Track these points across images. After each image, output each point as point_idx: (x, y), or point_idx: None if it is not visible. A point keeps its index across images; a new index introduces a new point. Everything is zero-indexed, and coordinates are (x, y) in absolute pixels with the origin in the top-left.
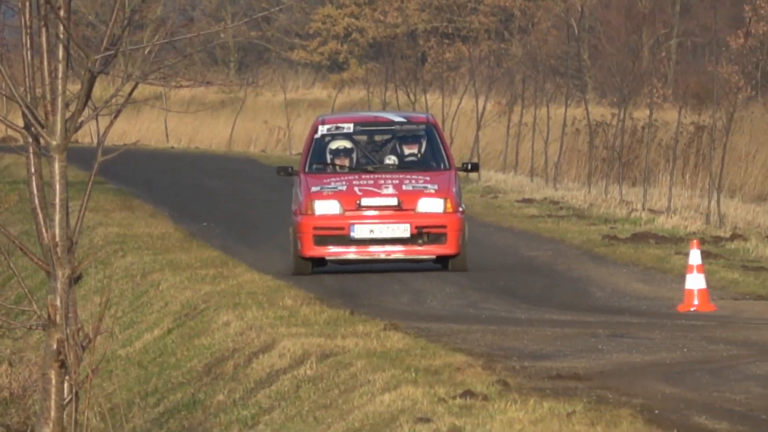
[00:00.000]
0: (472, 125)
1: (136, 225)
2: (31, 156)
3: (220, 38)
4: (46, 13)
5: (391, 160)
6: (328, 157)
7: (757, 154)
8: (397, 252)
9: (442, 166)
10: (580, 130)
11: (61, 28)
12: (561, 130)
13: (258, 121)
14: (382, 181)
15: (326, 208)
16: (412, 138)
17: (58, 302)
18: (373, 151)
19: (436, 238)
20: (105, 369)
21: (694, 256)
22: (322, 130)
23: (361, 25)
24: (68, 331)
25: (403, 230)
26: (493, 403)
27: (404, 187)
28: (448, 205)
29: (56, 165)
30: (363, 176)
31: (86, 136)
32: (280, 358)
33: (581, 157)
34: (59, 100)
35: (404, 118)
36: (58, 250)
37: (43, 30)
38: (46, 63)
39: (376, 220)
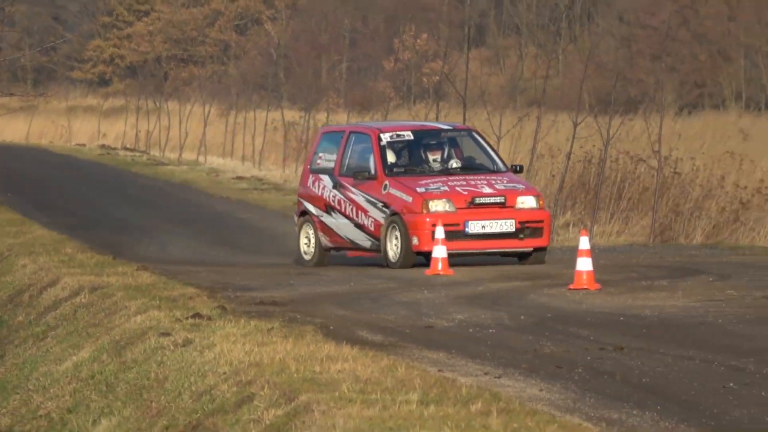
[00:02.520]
0: (201, 124)
1: None
2: None
3: (21, 62)
4: None
5: (457, 163)
6: (394, 160)
7: None
8: (503, 246)
9: (502, 166)
10: (278, 128)
11: None
12: (264, 128)
13: (48, 121)
14: (474, 182)
15: (440, 206)
16: (457, 143)
17: None
18: (425, 154)
19: (534, 232)
20: None
21: None
22: (385, 137)
23: (121, 53)
24: None
25: (509, 225)
26: (215, 321)
27: (498, 186)
28: (541, 202)
29: None
30: (450, 178)
31: None
32: (62, 290)
33: (278, 147)
34: None
35: (450, 126)
36: None
37: None
38: None
39: (487, 216)
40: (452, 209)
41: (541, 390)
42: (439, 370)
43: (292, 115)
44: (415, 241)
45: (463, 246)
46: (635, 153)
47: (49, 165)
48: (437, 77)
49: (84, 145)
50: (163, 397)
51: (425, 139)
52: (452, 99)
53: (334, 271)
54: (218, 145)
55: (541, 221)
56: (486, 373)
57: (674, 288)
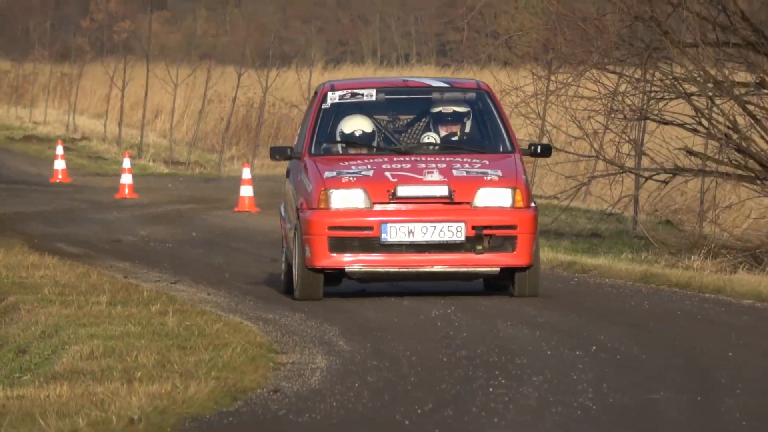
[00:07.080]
0: None
1: None
2: None
3: None
4: None
5: (430, 138)
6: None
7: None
8: (447, 263)
9: (502, 147)
10: None
11: None
12: None
13: None
14: (423, 165)
15: (346, 199)
16: (456, 111)
17: None
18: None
19: (501, 243)
20: None
21: (60, 150)
22: (333, 97)
23: None
24: None
25: (456, 231)
26: None
27: (455, 173)
28: (520, 196)
29: None
30: (395, 158)
31: None
32: None
33: None
34: None
35: (446, 83)
36: None
37: None
38: None
39: (417, 216)
40: (366, 204)
41: (209, 294)
42: (125, 277)
43: (4, 64)
44: (307, 252)
45: (378, 263)
46: (289, 99)
47: None
48: (126, 35)
49: None
50: None
51: (404, 100)
52: (139, 52)
53: (38, 194)
54: None
55: (513, 227)
56: (164, 280)
57: None
